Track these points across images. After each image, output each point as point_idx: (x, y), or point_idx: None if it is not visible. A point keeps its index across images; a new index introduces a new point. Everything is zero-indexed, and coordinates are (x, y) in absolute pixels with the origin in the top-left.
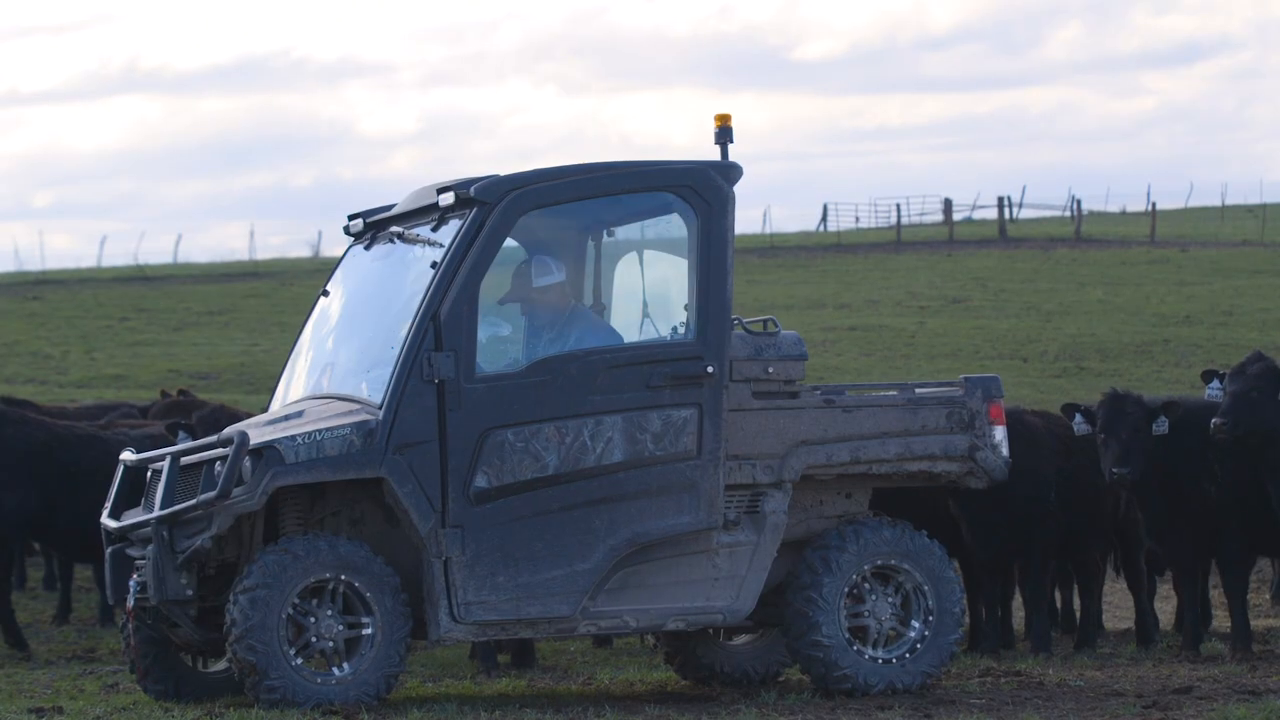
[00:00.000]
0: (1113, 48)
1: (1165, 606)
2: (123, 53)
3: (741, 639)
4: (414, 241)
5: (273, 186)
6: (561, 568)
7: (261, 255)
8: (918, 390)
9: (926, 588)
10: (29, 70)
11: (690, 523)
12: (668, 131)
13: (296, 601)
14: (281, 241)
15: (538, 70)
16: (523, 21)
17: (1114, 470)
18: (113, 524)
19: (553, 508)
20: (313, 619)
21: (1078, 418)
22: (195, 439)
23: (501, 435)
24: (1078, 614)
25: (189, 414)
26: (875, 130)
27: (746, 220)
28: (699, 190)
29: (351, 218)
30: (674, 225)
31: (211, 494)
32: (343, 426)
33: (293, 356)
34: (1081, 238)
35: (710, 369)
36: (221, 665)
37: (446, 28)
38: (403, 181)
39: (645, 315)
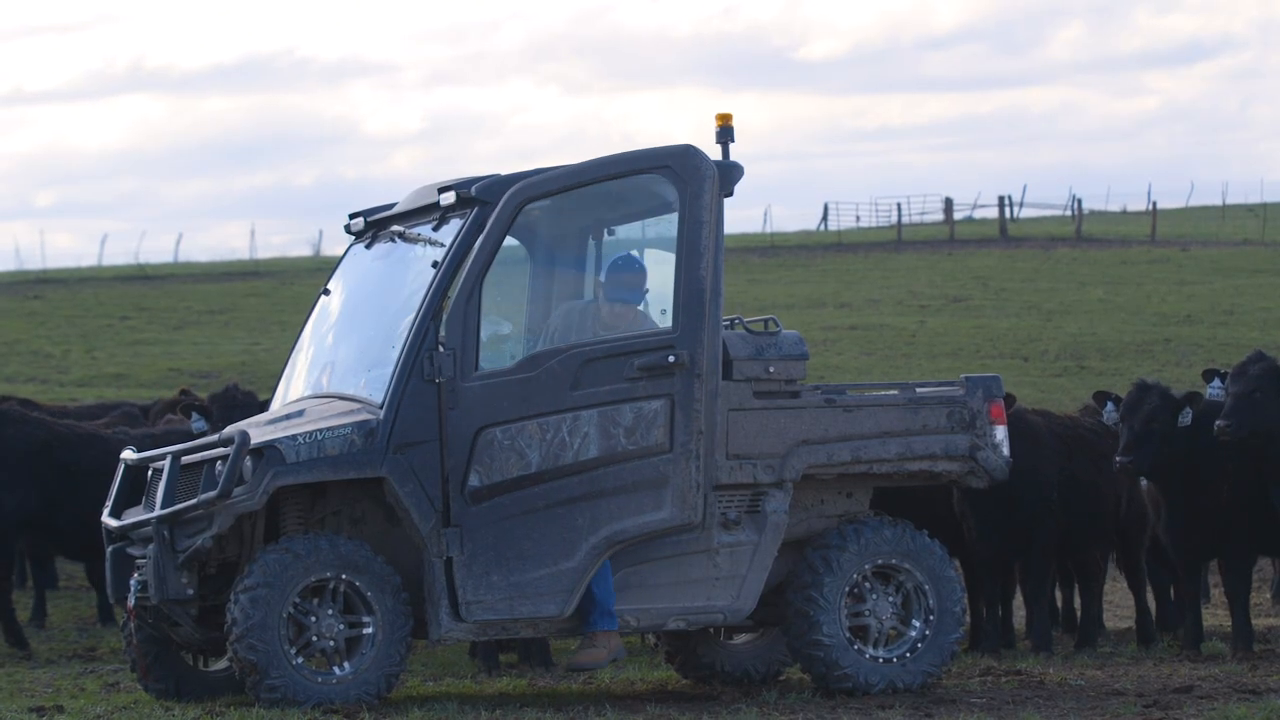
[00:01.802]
0: (1115, 48)
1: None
2: (127, 52)
3: (742, 638)
4: (415, 241)
5: (275, 186)
6: (547, 566)
7: (263, 254)
8: (918, 390)
9: (927, 587)
10: (34, 70)
11: (665, 519)
12: (671, 131)
13: (297, 601)
14: (283, 241)
15: (540, 70)
16: (526, 21)
17: (1119, 458)
18: (113, 523)
19: (537, 506)
20: (313, 618)
21: (1109, 406)
22: (210, 420)
23: (492, 433)
24: (1078, 613)
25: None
26: (877, 130)
27: (747, 219)
28: (679, 170)
29: (352, 217)
30: (674, 225)
31: (212, 493)
32: (344, 426)
33: (293, 355)
34: (1082, 237)
35: (673, 358)
36: (222, 664)
37: (449, 28)
38: (406, 181)
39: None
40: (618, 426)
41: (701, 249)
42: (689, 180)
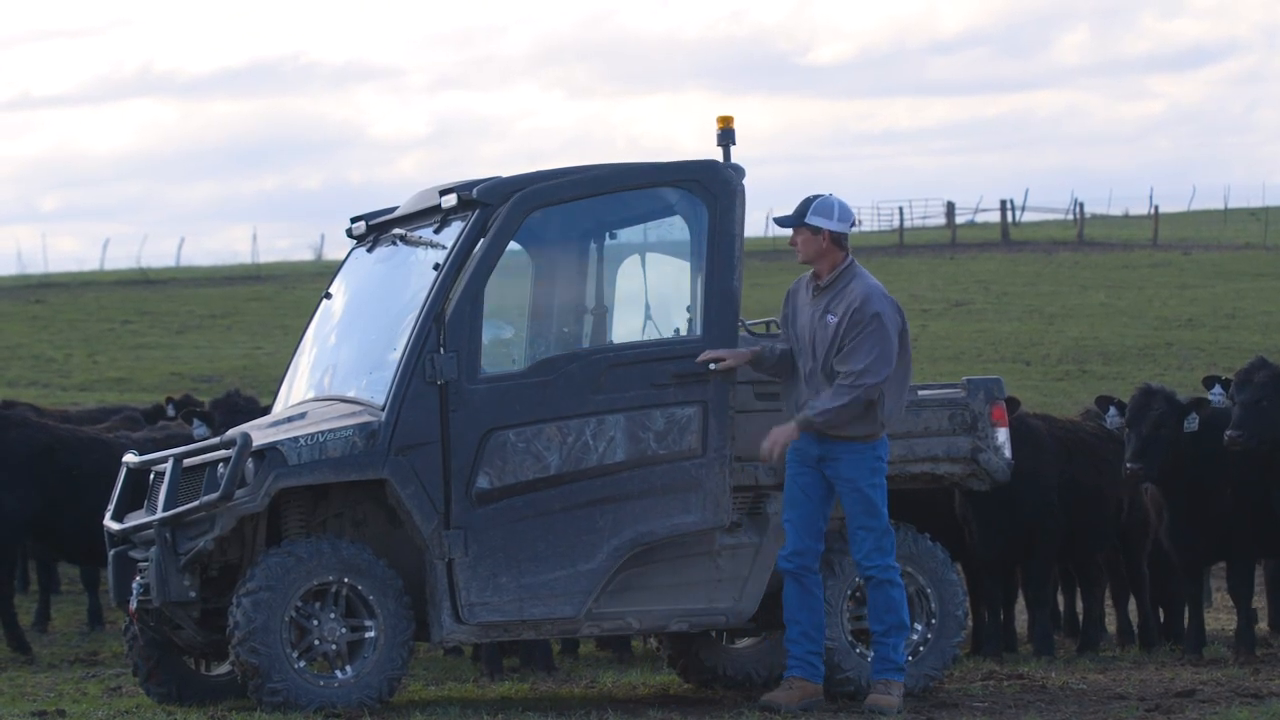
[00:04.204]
0: (1120, 52)
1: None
2: (136, 56)
3: (744, 641)
4: (416, 243)
5: (281, 190)
6: (565, 568)
7: (266, 258)
8: (920, 392)
9: (929, 591)
10: (42, 74)
11: (696, 522)
12: (675, 135)
13: (299, 604)
14: (288, 245)
15: (547, 74)
16: (532, 25)
17: (1128, 465)
18: (115, 526)
19: (555, 508)
20: (315, 621)
21: (1111, 410)
22: (212, 425)
23: (504, 436)
24: (1080, 617)
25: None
26: (882, 134)
27: (749, 223)
28: (707, 184)
29: (354, 220)
30: (676, 228)
31: (214, 495)
32: (345, 428)
33: (295, 359)
34: (1084, 241)
35: (714, 365)
36: (224, 668)
37: (456, 32)
38: (412, 185)
39: (648, 317)
40: (647, 431)
41: (734, 262)
42: (719, 194)
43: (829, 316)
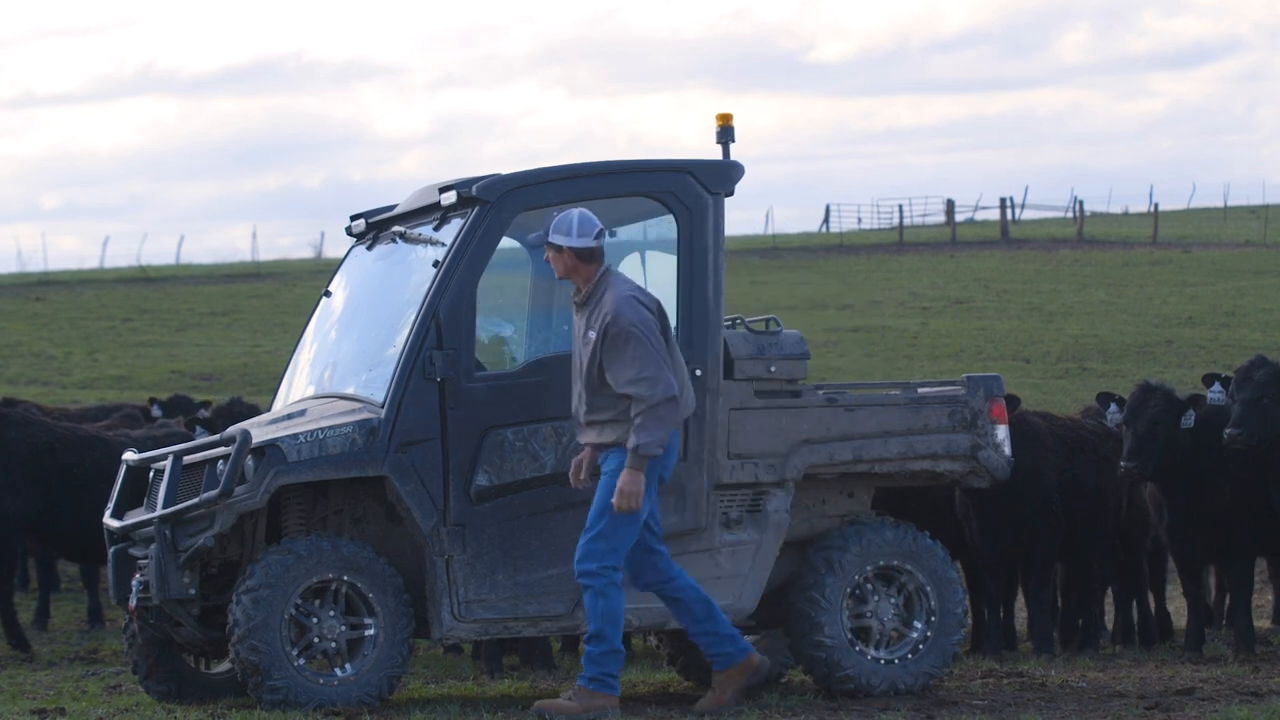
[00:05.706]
0: (1121, 50)
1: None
2: (138, 55)
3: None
4: (416, 241)
5: (283, 188)
6: (557, 566)
7: (266, 256)
8: (920, 389)
9: (929, 588)
10: (44, 72)
11: (678, 524)
12: (677, 132)
13: (299, 602)
14: (289, 243)
15: (548, 72)
16: (534, 24)
17: (1123, 464)
18: (115, 524)
19: (549, 507)
20: (315, 619)
21: (1112, 407)
22: (213, 433)
23: (502, 434)
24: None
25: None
26: (883, 132)
27: (749, 221)
28: (680, 197)
29: (354, 218)
30: (671, 226)
31: (214, 493)
32: (345, 425)
33: (295, 356)
34: (1084, 238)
35: (700, 372)
36: (224, 666)
37: (458, 30)
38: (413, 183)
39: None
40: None
41: (709, 273)
42: (694, 206)
43: (589, 333)
